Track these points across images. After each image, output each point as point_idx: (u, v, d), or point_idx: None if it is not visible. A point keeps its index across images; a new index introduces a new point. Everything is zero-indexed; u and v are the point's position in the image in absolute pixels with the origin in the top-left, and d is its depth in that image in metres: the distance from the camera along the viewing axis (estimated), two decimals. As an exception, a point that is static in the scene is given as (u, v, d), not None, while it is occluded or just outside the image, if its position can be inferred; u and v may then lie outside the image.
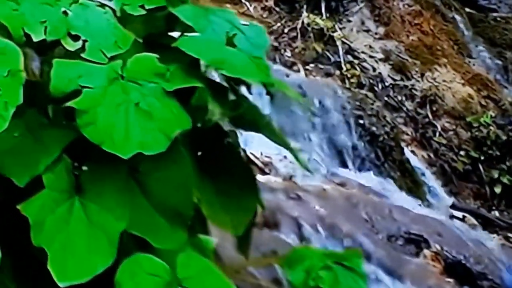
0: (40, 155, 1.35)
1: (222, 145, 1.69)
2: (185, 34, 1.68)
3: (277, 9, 6.86)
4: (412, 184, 4.93)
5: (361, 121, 4.96)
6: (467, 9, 7.51)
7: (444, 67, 6.43)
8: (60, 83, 1.37)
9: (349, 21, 7.04)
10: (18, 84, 1.28)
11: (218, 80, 1.64)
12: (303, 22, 6.63)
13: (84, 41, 1.51)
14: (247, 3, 6.74)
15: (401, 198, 4.34)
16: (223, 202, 1.60)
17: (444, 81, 6.29)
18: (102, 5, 1.72)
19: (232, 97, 1.59)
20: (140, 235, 1.36)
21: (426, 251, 3.30)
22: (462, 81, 6.29)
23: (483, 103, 6.16)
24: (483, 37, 7.24)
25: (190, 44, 1.51)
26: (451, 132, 5.81)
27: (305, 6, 6.92)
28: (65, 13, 1.53)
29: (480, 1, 8.06)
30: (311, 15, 6.64)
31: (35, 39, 1.43)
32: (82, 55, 1.48)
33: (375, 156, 4.80)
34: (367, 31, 6.86)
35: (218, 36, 1.61)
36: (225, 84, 1.62)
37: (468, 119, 5.84)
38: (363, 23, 7.02)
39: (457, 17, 7.22)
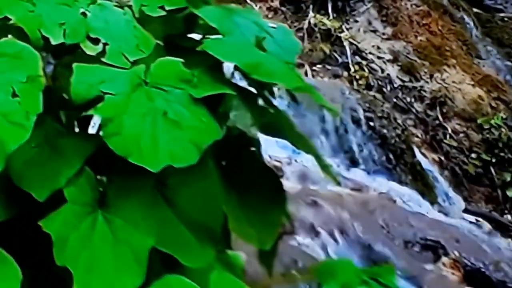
0: (61, 167, 1.25)
1: (247, 154, 1.60)
2: (207, 36, 1.59)
3: (283, 9, 6.78)
4: (423, 187, 4.85)
5: (371, 124, 4.88)
6: (475, 9, 7.44)
7: (453, 68, 6.34)
8: (81, 88, 1.28)
9: (356, 21, 6.96)
10: (37, 90, 1.19)
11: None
12: (309, 23, 6.55)
13: (105, 44, 1.42)
14: (252, 4, 6.66)
15: (415, 202, 4.25)
16: (249, 215, 1.51)
17: (453, 82, 6.21)
18: (121, 6, 1.63)
19: (260, 102, 1.50)
20: (168, 252, 1.27)
21: (444, 259, 3.21)
22: (472, 82, 6.21)
23: (493, 104, 6.07)
24: (491, 37, 7.17)
25: (218, 47, 1.41)
26: (461, 134, 5.72)
27: (311, 6, 6.83)
28: (84, 14, 1.43)
29: (486, 1, 7.98)
30: (317, 15, 6.56)
31: (53, 42, 1.33)
32: (103, 59, 1.39)
33: (387, 159, 4.72)
34: (375, 31, 6.77)
35: (246, 39, 1.52)
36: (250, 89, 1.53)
37: (479, 121, 5.75)
38: (370, 23, 6.94)
39: (465, 17, 7.14)
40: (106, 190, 1.27)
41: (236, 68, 1.40)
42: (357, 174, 4.37)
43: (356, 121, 4.93)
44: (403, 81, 6.19)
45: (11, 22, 1.38)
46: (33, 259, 1.26)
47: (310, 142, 1.59)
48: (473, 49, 6.93)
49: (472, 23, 7.32)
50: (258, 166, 1.55)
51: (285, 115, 1.56)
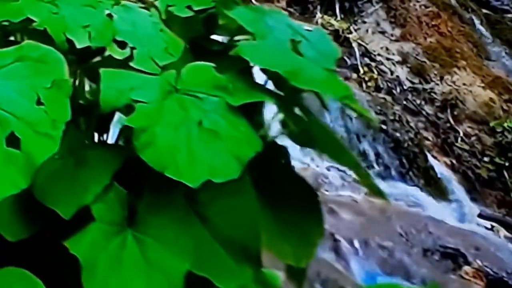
0: (88, 181, 1.15)
1: (279, 164, 1.50)
2: (237, 39, 1.49)
3: (290, 10, 6.67)
4: (437, 191, 4.75)
5: (384, 127, 4.78)
6: (484, 10, 7.35)
7: (463, 70, 6.24)
8: (110, 95, 1.18)
9: (364, 22, 6.86)
10: (64, 96, 1.09)
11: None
12: (317, 23, 6.45)
13: (132, 48, 1.32)
14: (258, 4, 6.55)
15: (430, 208, 4.16)
16: (284, 230, 1.41)
17: (464, 84, 6.11)
18: (146, 7, 1.53)
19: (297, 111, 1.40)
20: (204, 275, 1.17)
21: (466, 267, 3.11)
22: (482, 85, 6.11)
23: (505, 107, 5.98)
24: (501, 39, 7.07)
25: (253, 52, 1.31)
26: (473, 138, 5.62)
27: (318, 7, 6.74)
28: (109, 16, 1.33)
29: (492, 2, 7.88)
30: (325, 16, 6.46)
31: (78, 46, 1.23)
32: (131, 64, 1.29)
33: (400, 164, 4.62)
34: (383, 32, 6.67)
35: (281, 43, 1.42)
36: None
37: (491, 124, 5.65)
38: (378, 24, 6.84)
39: (474, 18, 7.05)
40: (136, 206, 1.17)
41: (271, 74, 1.30)
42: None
43: (368, 124, 4.84)
44: (413, 83, 6.09)
45: (33, 24, 1.28)
46: (57, 279, 1.16)
47: (351, 155, 1.48)
48: (482, 50, 6.83)
49: (481, 24, 7.22)
50: (292, 176, 1.45)
51: (322, 124, 1.46)
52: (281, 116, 1.43)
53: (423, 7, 7.05)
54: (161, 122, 1.16)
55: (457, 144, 5.63)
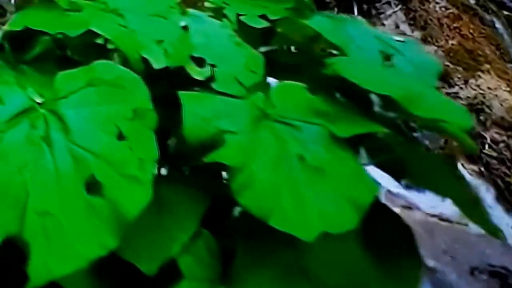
0: (172, 229, 0.96)
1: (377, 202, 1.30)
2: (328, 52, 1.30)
3: (307, 11, 6.51)
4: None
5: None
6: (505, 12, 7.17)
7: (487, 74, 6.05)
8: (195, 125, 0.98)
9: (383, 24, 6.67)
10: (149, 129, 0.90)
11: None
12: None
13: (212, 65, 1.13)
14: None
15: (465, 220, 3.96)
16: (380, 273, 1.22)
17: (489, 88, 5.92)
18: (215, 16, 1.34)
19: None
20: None
21: (518, 288, 2.91)
22: (508, 89, 5.92)
23: (532, 112, 5.80)
24: (523, 41, 6.89)
25: (354, 71, 1.11)
26: (502, 144, 5.43)
27: (335, 9, 6.56)
28: (185, 28, 1.14)
29: (508, 3, 7.70)
30: (343, 18, 6.29)
31: (156, 67, 1.04)
32: (212, 85, 1.10)
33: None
34: (403, 34, 6.48)
35: (374, 58, 1.23)
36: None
37: (520, 130, 5.46)
38: (397, 26, 6.64)
39: (495, 20, 6.86)
40: (229, 259, 0.98)
41: (383, 98, 1.11)
42: (403, 189, 4.08)
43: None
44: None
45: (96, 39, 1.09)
46: None
47: (465, 190, 1.28)
48: (505, 53, 6.64)
49: (502, 26, 7.04)
50: (389, 214, 1.26)
51: (430, 155, 1.27)
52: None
53: (443, 8, 6.86)
54: (257, 157, 0.97)
55: (484, 151, 5.44)
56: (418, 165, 1.26)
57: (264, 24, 1.33)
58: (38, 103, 0.93)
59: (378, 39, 1.31)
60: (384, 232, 1.24)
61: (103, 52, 1.15)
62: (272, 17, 1.33)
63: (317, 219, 0.92)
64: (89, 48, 1.17)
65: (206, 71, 1.11)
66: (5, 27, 1.23)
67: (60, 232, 0.80)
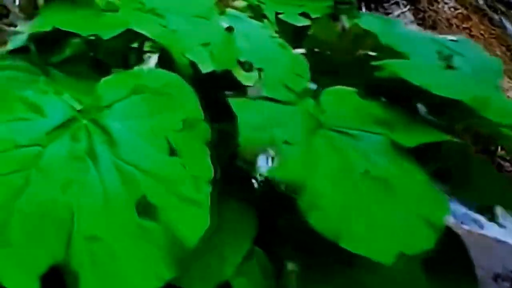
0: (224, 249, 0.87)
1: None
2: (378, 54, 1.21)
3: (314, 12, 6.43)
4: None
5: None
6: (514, 12, 7.09)
7: (499, 75, 5.98)
8: (250, 136, 0.89)
9: (392, 25, 6.61)
10: (201, 142, 0.80)
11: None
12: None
13: (259, 69, 1.04)
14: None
15: (483, 225, 3.87)
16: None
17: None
18: (254, 16, 1.25)
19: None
20: None
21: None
22: (519, 90, 5.84)
23: (544, 114, 5.70)
24: (532, 42, 6.81)
25: (416, 74, 1.02)
26: (515, 147, 5.34)
27: (343, 9, 6.48)
28: (229, 29, 1.05)
29: (513, 2, 7.62)
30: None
31: (204, 71, 0.95)
32: (261, 90, 1.01)
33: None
34: (411, 35, 6.42)
35: (432, 59, 1.14)
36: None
37: (533, 132, 5.36)
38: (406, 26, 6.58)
39: (504, 21, 6.78)
40: (287, 278, 0.89)
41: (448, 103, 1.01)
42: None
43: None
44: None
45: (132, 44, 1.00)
46: None
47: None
48: (516, 54, 6.55)
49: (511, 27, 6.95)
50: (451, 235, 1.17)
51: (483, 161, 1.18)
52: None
53: (452, 9, 6.77)
54: (318, 172, 0.88)
55: (498, 154, 5.35)
56: (472, 172, 1.17)
57: (305, 22, 1.25)
58: (79, 111, 0.84)
59: (433, 39, 1.23)
60: (441, 249, 1.16)
61: (139, 55, 1.06)
62: (313, 15, 1.24)
63: (392, 239, 0.83)
64: (123, 52, 1.08)
65: (254, 75, 1.02)
66: (29, 28, 1.14)
67: (112, 261, 0.70)
